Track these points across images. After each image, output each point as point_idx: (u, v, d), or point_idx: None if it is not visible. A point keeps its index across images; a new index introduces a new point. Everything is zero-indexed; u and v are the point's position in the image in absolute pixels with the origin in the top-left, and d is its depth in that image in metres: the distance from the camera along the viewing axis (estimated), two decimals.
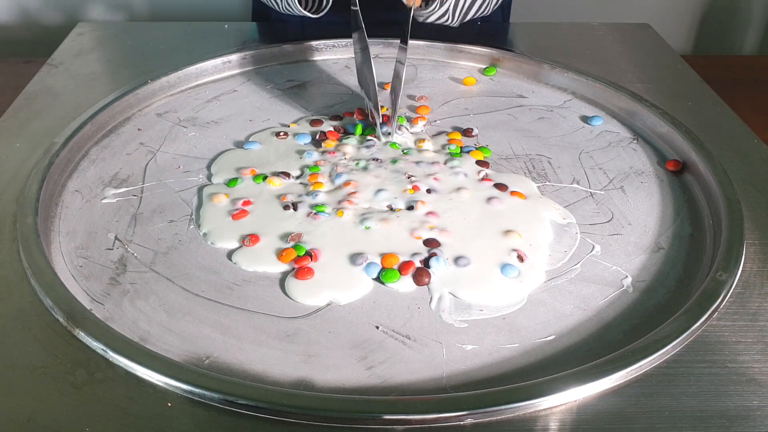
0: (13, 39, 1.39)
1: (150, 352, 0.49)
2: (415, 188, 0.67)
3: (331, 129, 0.77)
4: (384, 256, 0.59)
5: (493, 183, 0.68)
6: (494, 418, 0.46)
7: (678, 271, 0.59)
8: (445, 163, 0.71)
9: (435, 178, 0.68)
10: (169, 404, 0.46)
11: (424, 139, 0.76)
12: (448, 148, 0.74)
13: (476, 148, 0.74)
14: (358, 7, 0.76)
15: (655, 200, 0.68)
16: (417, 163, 0.71)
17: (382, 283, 0.57)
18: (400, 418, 0.45)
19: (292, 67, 0.92)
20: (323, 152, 0.73)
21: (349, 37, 0.93)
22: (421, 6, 0.85)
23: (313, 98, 0.85)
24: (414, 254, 0.59)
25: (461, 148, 0.74)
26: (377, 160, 0.72)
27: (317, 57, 0.94)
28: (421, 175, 0.69)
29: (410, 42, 0.93)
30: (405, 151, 0.73)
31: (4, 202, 0.64)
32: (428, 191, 0.67)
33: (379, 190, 0.67)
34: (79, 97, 0.82)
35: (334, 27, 0.94)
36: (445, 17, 0.87)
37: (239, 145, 0.76)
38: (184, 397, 0.47)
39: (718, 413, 0.47)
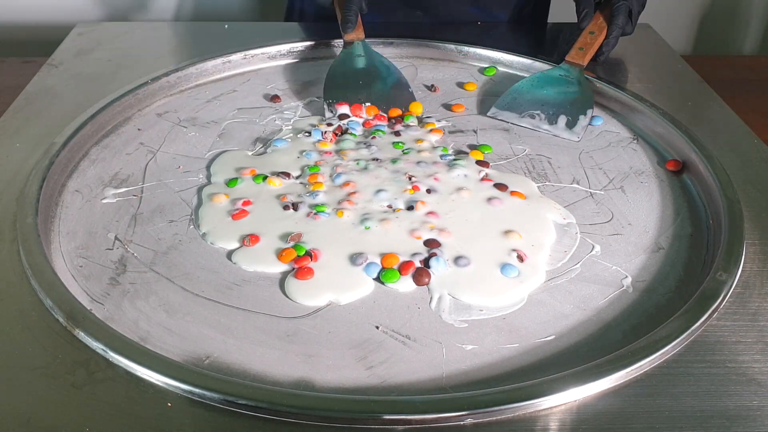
0: (13, 39, 1.39)
1: (150, 352, 0.49)
2: (415, 188, 0.67)
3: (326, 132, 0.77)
4: (384, 256, 0.59)
5: (493, 183, 0.68)
6: (494, 418, 0.46)
7: (678, 271, 0.59)
8: (442, 156, 0.71)
9: (435, 178, 0.68)
10: (169, 404, 0.46)
11: (424, 140, 0.76)
12: (442, 149, 0.74)
13: (477, 147, 0.74)
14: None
15: (655, 200, 0.68)
16: (417, 163, 0.71)
17: (382, 283, 0.57)
18: (400, 418, 0.45)
19: (293, 67, 0.92)
20: (322, 152, 0.73)
21: None
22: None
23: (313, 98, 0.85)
24: (414, 254, 0.59)
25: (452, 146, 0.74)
26: (377, 160, 0.71)
27: (317, 57, 0.93)
28: (421, 175, 0.69)
29: (410, 41, 0.94)
30: (405, 151, 0.73)
31: (4, 202, 0.64)
32: (428, 191, 0.67)
33: (379, 190, 0.67)
34: (79, 97, 0.82)
35: (334, 27, 0.93)
36: None
37: (239, 145, 0.75)
38: (184, 397, 0.47)
39: (718, 413, 0.47)
